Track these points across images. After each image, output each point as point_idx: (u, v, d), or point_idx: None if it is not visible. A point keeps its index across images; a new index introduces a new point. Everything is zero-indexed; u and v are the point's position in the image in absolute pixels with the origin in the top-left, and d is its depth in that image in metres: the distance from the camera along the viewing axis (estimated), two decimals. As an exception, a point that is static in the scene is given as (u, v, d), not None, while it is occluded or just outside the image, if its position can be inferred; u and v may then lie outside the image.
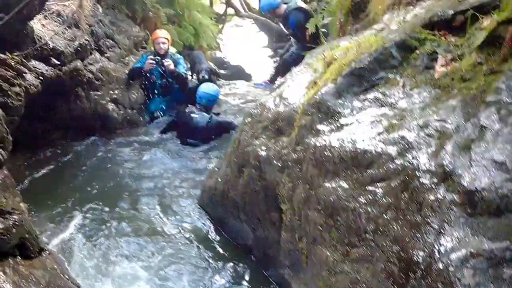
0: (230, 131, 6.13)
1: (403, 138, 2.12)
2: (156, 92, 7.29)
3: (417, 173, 1.93)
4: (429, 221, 1.77)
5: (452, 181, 1.78)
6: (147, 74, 7.10)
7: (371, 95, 2.55)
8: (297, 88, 3.19)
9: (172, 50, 7.73)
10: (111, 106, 6.54)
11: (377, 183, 2.12)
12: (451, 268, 1.57)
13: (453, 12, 2.47)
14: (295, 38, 7.64)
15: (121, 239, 3.90)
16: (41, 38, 4.87)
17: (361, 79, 2.64)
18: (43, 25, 5.19)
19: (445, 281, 1.58)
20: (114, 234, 3.99)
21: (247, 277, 3.44)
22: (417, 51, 2.53)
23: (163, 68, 7.03)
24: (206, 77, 7.54)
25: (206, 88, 6.51)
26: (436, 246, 1.69)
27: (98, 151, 6.00)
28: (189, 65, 8.34)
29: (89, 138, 6.29)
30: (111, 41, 7.06)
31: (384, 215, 2.00)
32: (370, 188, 2.14)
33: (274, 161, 2.97)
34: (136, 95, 7.12)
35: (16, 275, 2.56)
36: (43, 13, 5.15)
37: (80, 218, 4.23)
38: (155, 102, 7.27)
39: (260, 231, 3.34)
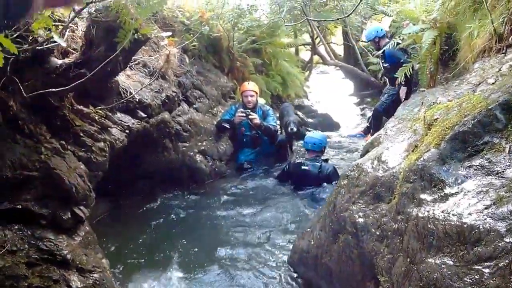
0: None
1: (512, 213, 1.97)
2: (245, 143, 7.33)
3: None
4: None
5: None
6: (237, 126, 7.18)
7: (476, 162, 2.41)
8: (396, 151, 3.08)
9: (261, 101, 7.81)
10: (199, 157, 6.57)
11: (484, 262, 1.97)
12: None
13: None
14: (388, 74, 7.53)
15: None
16: (126, 90, 4.80)
17: (465, 144, 2.51)
18: (128, 76, 5.12)
19: None
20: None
21: None
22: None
23: (252, 121, 7.06)
24: (295, 130, 7.50)
25: (313, 134, 6.68)
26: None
27: (185, 202, 6.03)
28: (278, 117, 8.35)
29: (176, 189, 6.31)
30: (199, 92, 7.16)
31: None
32: (477, 267, 1.99)
33: (372, 229, 2.85)
34: (224, 146, 7.16)
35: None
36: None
37: (164, 273, 4.19)
38: (244, 153, 7.29)
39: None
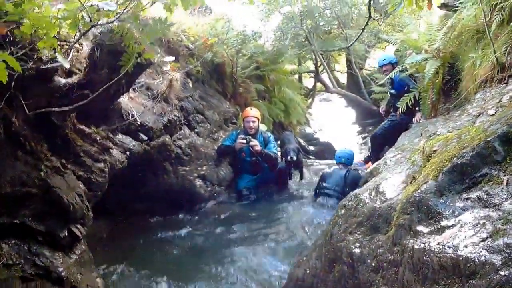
0: None
1: (508, 246, 1.96)
2: (245, 170, 7.27)
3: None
4: None
5: None
6: (237, 152, 7.15)
7: (473, 194, 2.41)
8: (394, 182, 3.08)
9: (263, 127, 7.80)
10: (198, 182, 6.52)
11: (480, 296, 1.95)
12: None
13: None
14: (394, 101, 7.50)
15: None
16: (129, 113, 4.83)
17: (463, 176, 2.51)
18: (131, 98, 5.14)
19: None
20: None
21: None
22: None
23: (253, 147, 7.05)
24: (294, 158, 7.49)
25: (343, 150, 7.25)
26: None
27: (182, 226, 5.97)
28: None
29: (174, 212, 6.27)
30: (200, 116, 7.11)
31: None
32: (472, 301, 1.97)
33: (368, 260, 2.83)
34: (224, 171, 7.10)
35: None
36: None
37: None
38: (244, 180, 7.23)
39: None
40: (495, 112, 3.73)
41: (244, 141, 6.93)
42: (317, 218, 6.10)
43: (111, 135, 4.45)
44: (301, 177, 8.12)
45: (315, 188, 6.76)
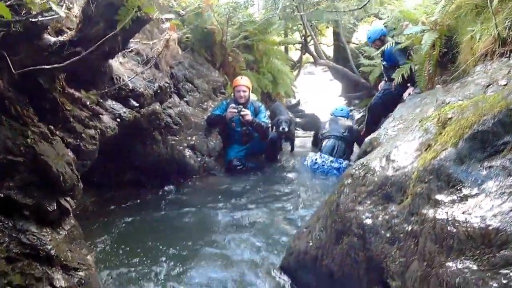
0: None
1: (539, 214, 1.84)
2: (235, 140, 7.19)
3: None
4: None
5: None
6: (227, 122, 7.02)
7: (497, 163, 2.27)
8: (406, 150, 2.93)
9: (254, 97, 7.65)
10: (188, 152, 6.40)
11: (512, 267, 1.84)
12: None
13: None
14: (386, 73, 7.41)
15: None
16: (119, 77, 4.63)
17: (484, 144, 2.36)
18: (121, 63, 4.96)
19: None
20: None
21: None
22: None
23: (243, 116, 6.91)
24: (286, 129, 7.43)
25: (339, 107, 8.51)
26: None
27: (171, 197, 5.85)
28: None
29: (163, 183, 6.12)
30: (190, 85, 7.00)
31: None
32: (504, 271, 1.86)
33: (382, 231, 2.70)
34: (214, 142, 7.00)
35: None
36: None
37: (149, 271, 3.93)
38: (234, 150, 7.14)
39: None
40: (507, 83, 3.63)
41: (235, 110, 6.79)
42: (312, 188, 6.00)
43: (101, 100, 4.21)
44: (292, 149, 8.05)
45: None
